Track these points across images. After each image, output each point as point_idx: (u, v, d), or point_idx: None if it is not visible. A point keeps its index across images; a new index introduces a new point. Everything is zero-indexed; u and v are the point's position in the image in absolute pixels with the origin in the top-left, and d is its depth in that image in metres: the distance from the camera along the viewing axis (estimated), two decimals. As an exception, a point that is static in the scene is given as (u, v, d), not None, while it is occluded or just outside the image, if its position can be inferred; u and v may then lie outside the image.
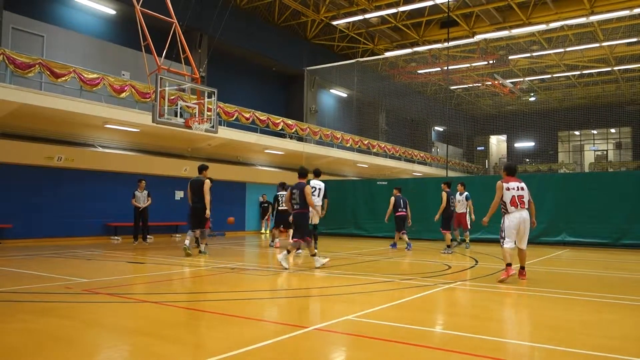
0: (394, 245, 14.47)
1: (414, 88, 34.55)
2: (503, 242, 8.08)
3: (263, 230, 22.63)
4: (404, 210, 14.27)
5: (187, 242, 11.53)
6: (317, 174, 11.50)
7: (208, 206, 11.32)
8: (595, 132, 42.59)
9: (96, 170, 16.51)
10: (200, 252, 11.79)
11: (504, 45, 28.33)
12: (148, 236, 15.50)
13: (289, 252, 9.42)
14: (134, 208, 15.04)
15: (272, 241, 14.53)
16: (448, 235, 13.02)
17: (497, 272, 9.10)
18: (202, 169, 11.83)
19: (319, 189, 11.05)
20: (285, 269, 9.01)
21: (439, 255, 12.32)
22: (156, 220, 17.22)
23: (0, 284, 7.19)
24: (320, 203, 11.09)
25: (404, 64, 31.17)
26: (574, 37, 26.39)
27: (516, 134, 43.83)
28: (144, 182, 15.21)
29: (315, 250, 9.80)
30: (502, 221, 8.12)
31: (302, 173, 9.92)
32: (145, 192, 15.16)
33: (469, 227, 14.05)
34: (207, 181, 11.49)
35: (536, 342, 4.44)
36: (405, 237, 13.96)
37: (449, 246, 12.96)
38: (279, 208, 13.95)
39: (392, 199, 14.38)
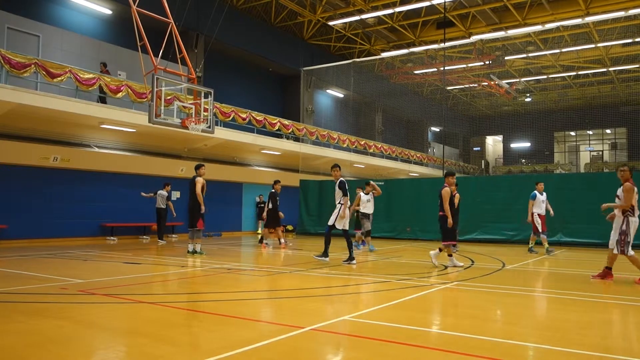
0: (363, 243, 14.54)
1: (410, 88, 34.59)
2: (628, 248, 7.67)
3: (260, 231, 22.60)
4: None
5: (190, 247, 11.78)
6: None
7: (201, 203, 11.51)
8: (590, 132, 42.73)
9: (92, 170, 16.46)
10: (189, 252, 11.78)
11: (500, 46, 28.41)
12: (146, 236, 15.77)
13: (443, 252, 9.66)
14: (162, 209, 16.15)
15: (262, 241, 14.87)
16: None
17: (493, 273, 9.12)
18: (195, 168, 12.02)
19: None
20: (435, 266, 9.55)
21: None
22: (153, 221, 17.19)
23: (-5, 285, 7.15)
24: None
25: (400, 64, 31.20)
26: (569, 37, 26.49)
27: (512, 135, 43.96)
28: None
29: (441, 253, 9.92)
30: (622, 224, 7.75)
31: (448, 173, 9.83)
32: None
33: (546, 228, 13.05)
34: (199, 179, 11.66)
35: (533, 342, 4.44)
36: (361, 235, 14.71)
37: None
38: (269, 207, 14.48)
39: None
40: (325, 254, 10.17)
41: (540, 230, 12.66)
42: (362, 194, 13.66)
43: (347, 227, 10.15)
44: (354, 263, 10.07)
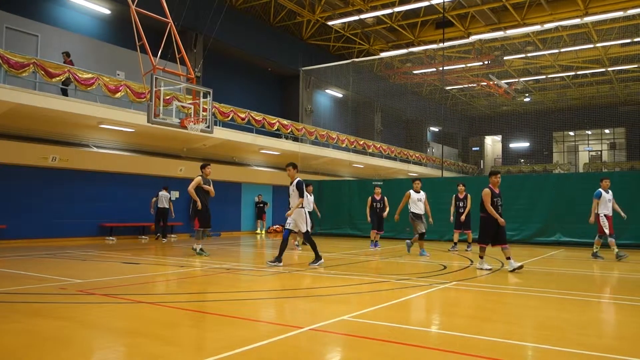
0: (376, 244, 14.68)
1: (409, 88, 34.60)
2: None
3: (259, 231, 22.58)
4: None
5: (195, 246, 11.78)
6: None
7: (197, 201, 11.42)
8: (589, 132, 42.79)
9: (91, 170, 16.45)
10: (193, 248, 11.75)
11: (499, 46, 28.43)
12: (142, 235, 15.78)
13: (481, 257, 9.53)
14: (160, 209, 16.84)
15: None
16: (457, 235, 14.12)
17: (492, 273, 9.13)
18: (200, 167, 11.97)
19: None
20: (489, 269, 9.29)
21: (434, 255, 12.34)
22: (152, 221, 17.19)
23: (-6, 285, 7.14)
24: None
25: (399, 64, 31.21)
26: (568, 38, 26.50)
27: (511, 135, 43.99)
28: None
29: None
30: None
31: (492, 172, 9.53)
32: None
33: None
34: (197, 178, 11.61)
35: (532, 341, 4.45)
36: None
37: (456, 243, 14.11)
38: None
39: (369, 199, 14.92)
40: (317, 257, 9.78)
41: (607, 233, 11.32)
42: (412, 191, 12.40)
43: (292, 228, 9.69)
44: (281, 265, 9.58)
